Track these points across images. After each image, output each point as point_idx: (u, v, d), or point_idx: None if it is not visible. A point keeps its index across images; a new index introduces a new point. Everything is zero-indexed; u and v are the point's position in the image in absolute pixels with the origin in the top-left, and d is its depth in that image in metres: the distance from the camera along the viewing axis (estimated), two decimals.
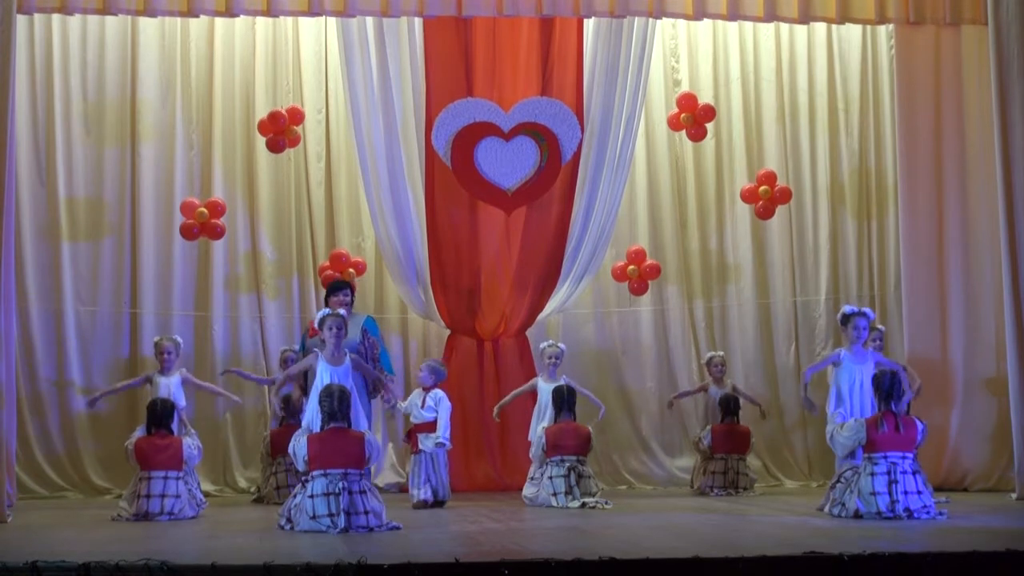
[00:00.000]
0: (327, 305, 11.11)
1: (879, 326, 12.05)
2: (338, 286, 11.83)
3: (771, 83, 14.50)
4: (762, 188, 13.66)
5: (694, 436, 13.21)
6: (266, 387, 13.12)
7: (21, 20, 11.81)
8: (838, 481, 10.03)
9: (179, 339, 12.23)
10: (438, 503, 11.18)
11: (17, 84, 11.53)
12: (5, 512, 10.04)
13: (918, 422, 9.84)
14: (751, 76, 14.52)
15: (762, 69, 14.52)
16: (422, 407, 11.23)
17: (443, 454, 11.25)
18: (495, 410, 12.42)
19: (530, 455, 11.90)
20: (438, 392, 11.29)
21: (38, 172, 13.37)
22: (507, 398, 12.46)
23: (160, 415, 10.71)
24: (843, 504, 9.74)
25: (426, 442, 11.17)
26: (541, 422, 11.88)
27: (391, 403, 10.92)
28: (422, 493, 11.12)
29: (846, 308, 10.94)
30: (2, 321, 10.30)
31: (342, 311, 10.24)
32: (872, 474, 9.58)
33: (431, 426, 11.20)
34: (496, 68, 13.70)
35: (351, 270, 13.36)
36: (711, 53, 14.52)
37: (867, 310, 10.90)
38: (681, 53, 14.47)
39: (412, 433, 11.35)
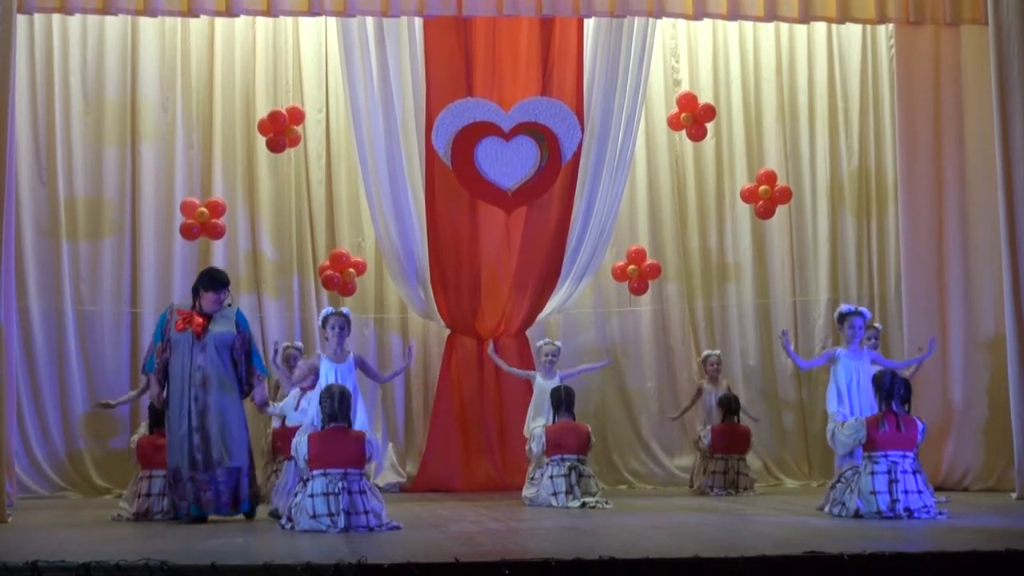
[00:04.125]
0: (198, 300, 10.23)
1: (876, 324, 12.05)
2: (219, 282, 10.38)
3: (771, 83, 14.50)
4: (762, 188, 13.67)
5: (694, 436, 13.21)
6: (266, 383, 13.15)
7: (21, 20, 11.81)
8: (838, 481, 10.04)
9: None
10: None
11: (17, 84, 11.53)
12: (5, 512, 10.04)
13: (918, 421, 9.84)
14: (751, 76, 14.52)
15: (762, 69, 14.52)
16: (296, 408, 10.42)
17: None
18: (491, 349, 12.72)
19: (526, 451, 11.92)
20: (314, 394, 10.04)
21: (38, 172, 13.36)
22: (503, 363, 12.71)
23: (162, 415, 10.72)
24: (843, 504, 9.74)
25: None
26: (537, 419, 11.92)
27: (258, 401, 10.28)
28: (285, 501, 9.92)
29: (843, 307, 11.00)
30: (3, 320, 10.30)
31: (340, 309, 10.18)
32: (872, 473, 9.58)
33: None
34: (496, 68, 13.70)
35: (351, 269, 13.37)
36: (711, 53, 14.52)
37: (863, 309, 10.94)
38: (681, 53, 14.47)
39: (286, 436, 10.36)
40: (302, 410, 10.19)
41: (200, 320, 10.08)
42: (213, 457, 9.92)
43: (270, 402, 10.56)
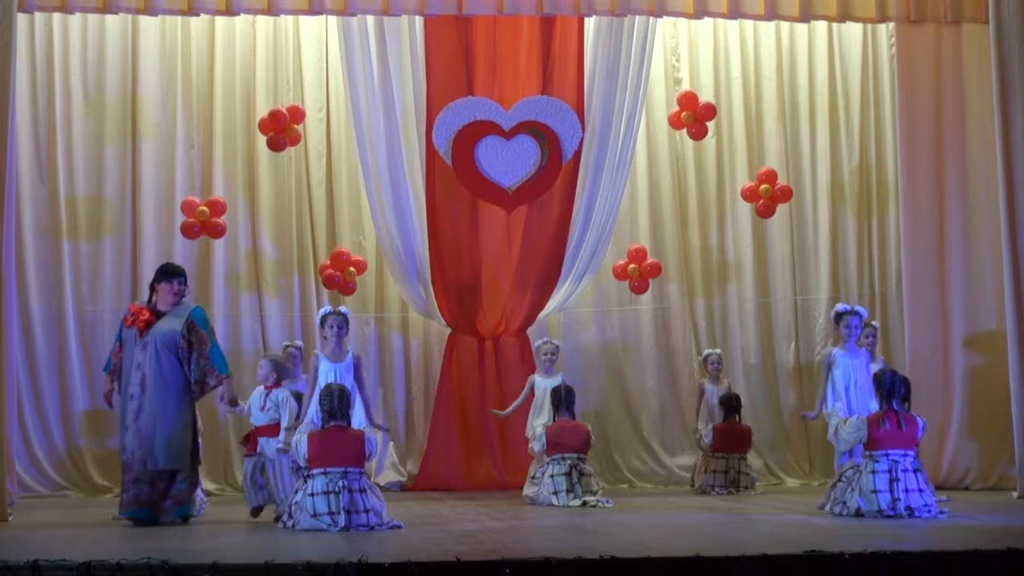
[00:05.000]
0: (154, 295, 9.98)
1: (874, 323, 12.06)
2: (171, 272, 10.12)
3: (772, 81, 14.51)
4: (763, 187, 13.67)
5: (695, 435, 13.20)
6: None
7: (21, 19, 11.81)
8: (839, 480, 10.04)
9: None
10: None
11: (17, 82, 11.53)
12: (6, 511, 10.04)
13: (919, 419, 9.83)
14: (752, 74, 14.53)
15: (763, 67, 14.52)
16: (262, 408, 10.03)
17: (286, 460, 9.85)
18: (501, 413, 12.43)
19: (528, 451, 11.92)
20: (279, 392, 10.04)
21: (39, 170, 13.37)
22: (509, 409, 12.48)
23: None
24: (844, 503, 9.74)
25: (267, 447, 9.95)
26: (538, 418, 11.92)
27: (225, 399, 10.11)
28: (257, 498, 10.02)
29: (839, 307, 11.03)
30: (3, 319, 10.29)
31: (338, 308, 10.11)
32: (873, 472, 9.57)
33: (272, 429, 9.96)
34: (497, 67, 13.71)
35: (352, 268, 13.38)
36: (712, 52, 14.52)
37: (860, 308, 10.97)
38: (682, 52, 14.47)
39: (251, 436, 10.19)
40: (268, 408, 9.96)
41: (145, 316, 9.80)
42: (145, 458, 9.62)
43: (239, 401, 10.20)
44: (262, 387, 10.13)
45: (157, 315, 9.86)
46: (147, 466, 9.61)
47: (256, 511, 9.97)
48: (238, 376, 12.87)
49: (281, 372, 10.21)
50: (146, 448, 9.62)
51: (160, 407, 9.67)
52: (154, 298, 9.97)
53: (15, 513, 10.17)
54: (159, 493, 9.63)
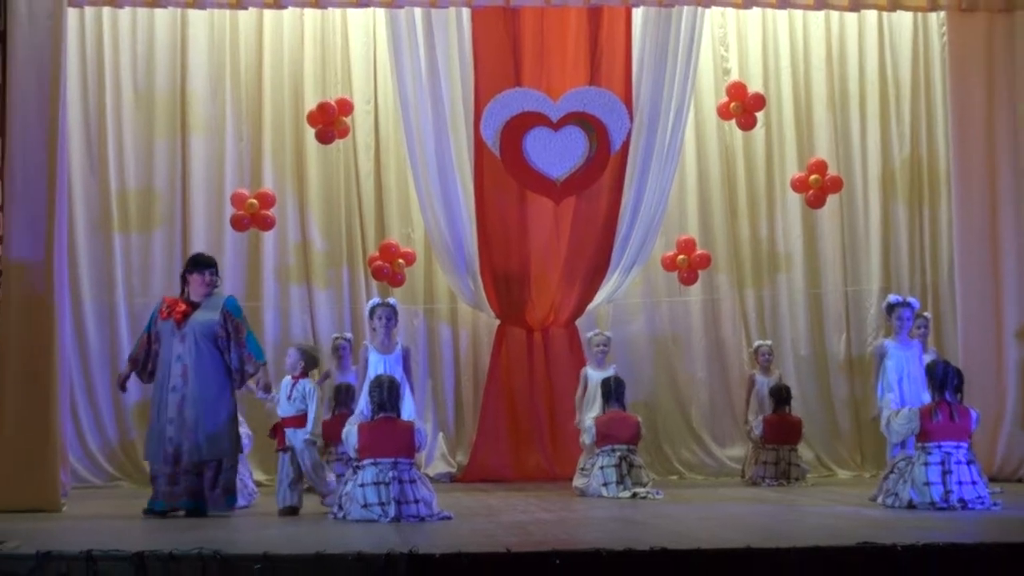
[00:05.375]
0: (186, 287, 9.93)
1: (926, 314, 11.97)
2: (203, 263, 10.08)
3: (821, 71, 14.41)
4: (813, 177, 13.58)
5: (745, 425, 13.15)
6: (318, 374, 13.24)
7: (72, 13, 11.89)
8: (891, 471, 9.97)
9: None
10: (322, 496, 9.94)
11: (68, 77, 11.60)
12: (60, 501, 10.12)
13: (972, 411, 9.75)
14: (801, 64, 14.44)
15: (812, 57, 14.43)
16: (288, 398, 9.97)
17: (312, 452, 9.94)
18: (576, 421, 12.27)
19: (580, 443, 11.90)
20: (306, 383, 10.02)
21: (90, 164, 13.46)
22: (576, 404, 12.32)
23: None
24: (896, 494, 9.67)
25: (294, 438, 9.93)
26: (589, 411, 11.88)
27: (262, 385, 10.00)
28: (289, 498, 9.88)
29: (891, 298, 10.95)
30: (56, 313, 10.37)
31: (387, 300, 10.12)
32: (926, 464, 9.50)
33: (298, 420, 9.94)
34: (544, 58, 13.69)
35: (400, 260, 13.40)
36: (760, 41, 14.44)
37: (912, 300, 10.89)
38: (730, 42, 14.40)
39: (279, 428, 10.07)
40: (295, 399, 9.90)
41: (182, 308, 9.76)
42: (187, 450, 9.57)
43: (272, 388, 10.08)
44: (289, 377, 10.07)
45: (192, 306, 9.82)
46: (194, 457, 9.57)
47: (287, 511, 9.76)
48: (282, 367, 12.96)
49: (308, 362, 10.17)
50: (192, 439, 9.58)
51: (204, 398, 9.64)
52: (186, 289, 9.93)
53: (69, 504, 10.25)
54: (209, 483, 9.62)
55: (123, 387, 10.10)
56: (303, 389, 9.93)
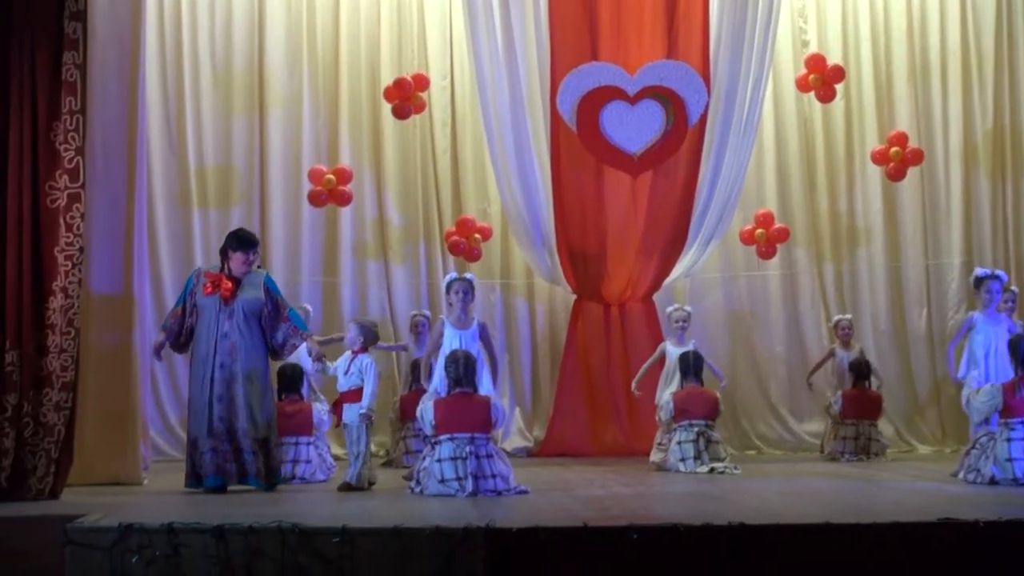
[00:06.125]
0: (226, 259, 9.75)
1: (1013, 288, 11.78)
2: (247, 242, 9.89)
3: (902, 42, 14.26)
4: (893, 149, 13.44)
5: (824, 401, 13.05)
6: (394, 354, 13.28)
7: None
8: (973, 447, 9.84)
9: (309, 307, 12.36)
10: (344, 485, 9.55)
11: (147, 56, 11.68)
12: (141, 475, 10.22)
13: None
14: (881, 35, 14.31)
15: (892, 28, 14.29)
16: (346, 373, 9.80)
17: (363, 429, 9.65)
18: (633, 385, 12.29)
19: (656, 419, 11.84)
20: (364, 358, 9.79)
21: (169, 142, 13.57)
22: (640, 371, 12.33)
23: (290, 381, 10.85)
24: (978, 470, 9.53)
25: (348, 413, 9.71)
26: (668, 387, 11.81)
27: (315, 355, 9.86)
28: (347, 473, 9.68)
29: (978, 271, 10.74)
30: (136, 289, 10.46)
31: (464, 274, 10.05)
32: (1008, 440, 9.35)
33: (355, 395, 9.70)
34: (621, 31, 13.61)
35: (477, 235, 13.41)
36: (840, 13, 14.31)
37: (1000, 272, 10.69)
38: (809, 13, 14.29)
39: (338, 403, 9.91)
40: (352, 373, 9.74)
41: (229, 284, 9.61)
42: (239, 427, 9.48)
43: (324, 359, 9.98)
44: (349, 352, 9.92)
45: (236, 283, 9.70)
46: (250, 435, 9.49)
47: (345, 487, 9.53)
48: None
49: (368, 337, 9.97)
50: (247, 417, 9.50)
51: (254, 375, 9.58)
52: (227, 265, 9.75)
53: (149, 477, 10.35)
54: (262, 460, 9.52)
55: (159, 356, 9.97)
56: (360, 364, 9.76)
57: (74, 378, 9.00)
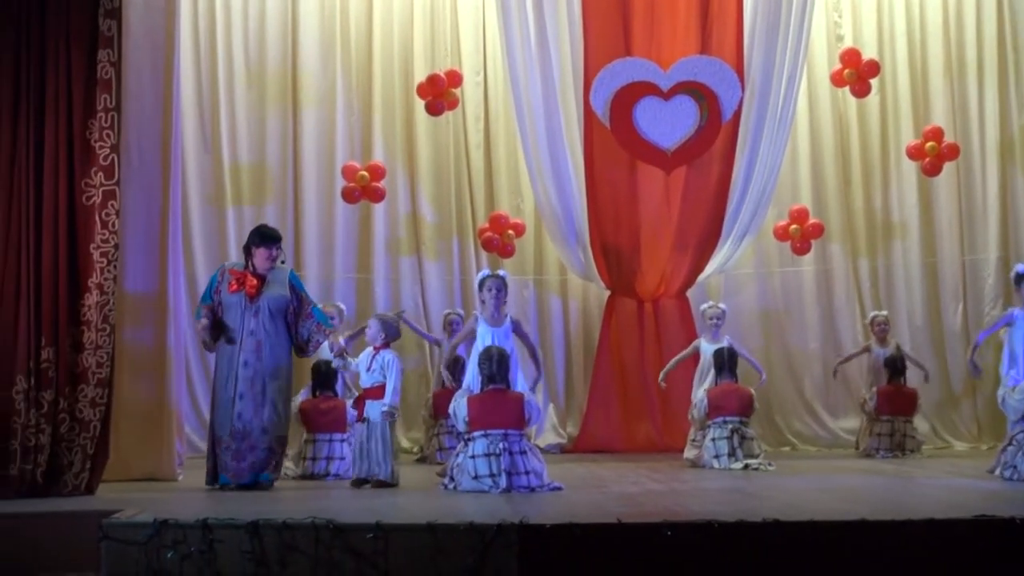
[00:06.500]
0: (250, 259, 9.63)
1: None
2: (271, 237, 9.75)
3: (937, 37, 14.19)
4: (929, 144, 13.37)
5: (859, 397, 13.00)
6: (427, 344, 13.30)
7: None
8: (1010, 443, 9.76)
9: (342, 305, 12.33)
10: (378, 482, 9.47)
11: (181, 53, 11.71)
12: (176, 471, 10.26)
13: None
14: (917, 30, 14.24)
15: (928, 22, 14.22)
16: (368, 369, 9.68)
17: (386, 427, 9.54)
18: (661, 376, 12.28)
19: (689, 417, 11.81)
20: (386, 354, 9.68)
21: (203, 139, 13.61)
22: (670, 364, 12.31)
23: (324, 378, 10.87)
24: (1015, 467, 9.47)
25: (371, 409, 9.59)
26: (702, 384, 11.77)
27: (336, 351, 9.86)
28: (359, 468, 9.60)
29: (1019, 267, 10.62)
30: (171, 286, 10.49)
31: (496, 272, 9.99)
32: None
33: (377, 391, 9.62)
34: (655, 27, 13.59)
35: (510, 231, 13.42)
36: (875, 7, 14.27)
37: None
38: (844, 8, 14.25)
39: (361, 400, 9.80)
40: (374, 370, 9.64)
41: (254, 281, 9.50)
42: (260, 425, 9.34)
43: (346, 355, 9.96)
44: (370, 348, 9.83)
45: (261, 279, 9.60)
46: (269, 432, 9.39)
47: (359, 482, 9.53)
48: (402, 340, 13.04)
49: (390, 332, 9.86)
50: (269, 415, 9.40)
51: (278, 373, 9.49)
52: (251, 262, 9.65)
53: (184, 473, 10.39)
54: (267, 459, 9.38)
55: (208, 336, 9.63)
56: (383, 360, 9.64)
57: (109, 374, 9.04)
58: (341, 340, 10.47)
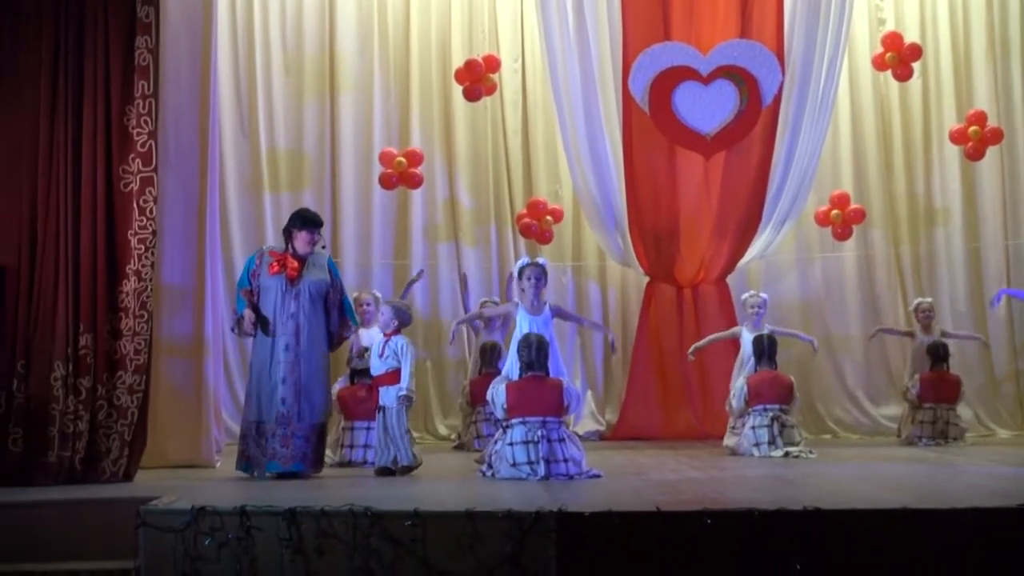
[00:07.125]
0: (290, 239, 9.52)
1: None
2: (312, 221, 9.66)
3: (981, 19, 14.05)
4: (972, 128, 13.24)
5: (901, 385, 12.89)
6: (465, 339, 13.31)
7: None
8: None
9: (378, 293, 12.29)
10: (403, 468, 9.44)
11: (219, 39, 11.72)
12: (214, 458, 10.27)
13: None
14: (959, 12, 14.11)
15: (971, 4, 14.07)
16: (380, 356, 9.59)
17: (403, 411, 9.48)
18: (691, 349, 12.24)
19: (726, 407, 11.73)
20: (399, 339, 9.57)
21: (240, 125, 13.62)
22: (705, 340, 12.29)
23: (362, 368, 10.83)
24: None
25: (386, 396, 9.51)
26: (743, 373, 11.70)
27: (357, 351, 9.96)
28: (382, 456, 9.50)
29: None
30: (208, 272, 10.50)
31: (536, 259, 9.90)
32: None
33: (391, 377, 9.52)
34: (694, 11, 13.51)
35: (549, 217, 13.37)
36: None
37: None
38: None
39: (374, 386, 9.70)
40: (386, 357, 9.53)
41: (295, 264, 9.38)
42: (301, 411, 9.24)
43: (366, 355, 9.88)
44: (382, 335, 9.73)
45: (301, 262, 9.49)
46: (313, 419, 9.31)
47: (383, 471, 9.43)
48: (434, 326, 13.02)
49: (403, 319, 9.77)
50: (311, 401, 9.31)
51: (316, 357, 9.38)
52: (291, 244, 9.53)
53: (222, 460, 10.40)
54: (313, 446, 9.31)
55: (266, 330, 9.48)
56: (395, 346, 9.53)
57: (147, 361, 9.06)
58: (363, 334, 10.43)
